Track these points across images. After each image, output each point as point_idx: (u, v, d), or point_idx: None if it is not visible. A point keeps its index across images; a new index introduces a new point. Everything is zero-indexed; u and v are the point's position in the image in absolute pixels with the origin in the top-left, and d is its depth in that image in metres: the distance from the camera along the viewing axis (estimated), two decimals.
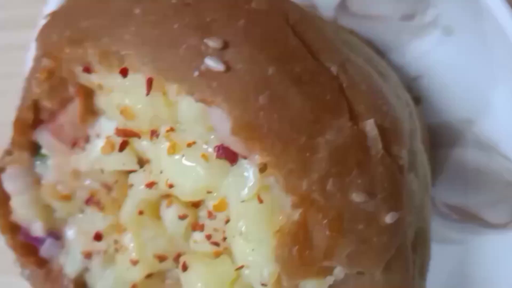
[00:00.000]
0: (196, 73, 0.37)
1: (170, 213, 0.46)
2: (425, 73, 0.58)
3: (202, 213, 0.46)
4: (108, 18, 0.41)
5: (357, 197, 0.37)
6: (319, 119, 0.36)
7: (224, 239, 0.45)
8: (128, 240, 0.46)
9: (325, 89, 0.37)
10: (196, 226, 0.46)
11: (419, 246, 0.47)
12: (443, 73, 0.57)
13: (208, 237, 0.45)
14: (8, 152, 0.49)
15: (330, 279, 0.39)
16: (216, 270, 0.44)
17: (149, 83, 0.40)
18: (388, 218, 0.39)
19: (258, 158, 0.37)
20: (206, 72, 0.37)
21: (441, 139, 0.59)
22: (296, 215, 0.37)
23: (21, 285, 0.53)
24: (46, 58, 0.45)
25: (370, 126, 0.37)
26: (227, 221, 0.45)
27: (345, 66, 0.39)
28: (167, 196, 0.46)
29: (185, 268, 0.45)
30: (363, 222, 0.38)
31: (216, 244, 0.45)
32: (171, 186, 0.42)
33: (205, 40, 0.38)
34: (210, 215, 0.45)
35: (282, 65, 0.38)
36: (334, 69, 0.39)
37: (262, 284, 0.40)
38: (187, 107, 0.38)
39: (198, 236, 0.46)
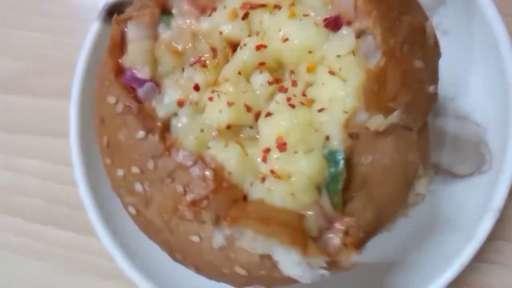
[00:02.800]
0: None
1: (261, 78, 0.61)
2: None
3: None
4: None
5: (418, 63, 0.56)
6: (406, 3, 0.56)
7: (300, 103, 0.60)
8: (227, 87, 0.60)
9: None
10: (282, 88, 0.60)
11: None
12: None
13: (288, 99, 0.60)
14: (140, 7, 0.62)
15: (390, 118, 0.55)
16: (298, 114, 0.58)
17: None
18: (431, 88, 0.57)
19: (360, 22, 0.55)
20: None
21: None
22: (382, 62, 0.54)
23: None
24: None
25: (429, 25, 0.58)
26: (304, 90, 0.61)
27: None
28: (260, 65, 0.61)
29: (268, 114, 0.59)
30: (417, 83, 0.56)
31: (293, 106, 0.60)
32: (285, 40, 0.58)
33: None
34: (293, 84, 0.61)
35: None
36: None
37: (344, 112, 0.55)
38: None
39: (280, 97, 0.60)
